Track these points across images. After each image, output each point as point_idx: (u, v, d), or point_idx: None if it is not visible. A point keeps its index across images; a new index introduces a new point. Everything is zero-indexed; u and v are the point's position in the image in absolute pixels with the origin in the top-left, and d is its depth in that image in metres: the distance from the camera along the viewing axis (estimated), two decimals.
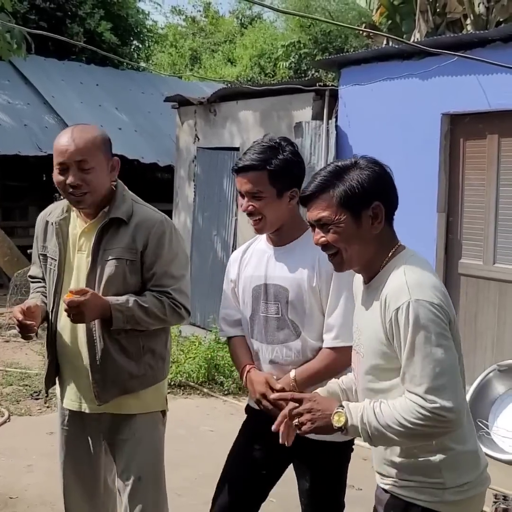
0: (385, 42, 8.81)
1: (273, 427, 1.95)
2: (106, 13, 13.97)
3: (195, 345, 6.23)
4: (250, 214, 2.44)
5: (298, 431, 1.87)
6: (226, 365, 5.91)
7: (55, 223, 2.56)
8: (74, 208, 2.56)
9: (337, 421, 1.80)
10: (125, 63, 12.47)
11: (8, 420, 5.02)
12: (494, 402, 4.73)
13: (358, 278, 2.02)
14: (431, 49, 4.48)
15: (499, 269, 5.16)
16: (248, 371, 2.47)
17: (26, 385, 5.76)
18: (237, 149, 7.34)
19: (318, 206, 1.88)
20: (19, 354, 6.89)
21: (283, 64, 16.27)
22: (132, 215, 2.49)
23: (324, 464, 2.44)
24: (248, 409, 2.65)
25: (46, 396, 5.33)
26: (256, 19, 21.47)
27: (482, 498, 1.92)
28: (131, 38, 15.85)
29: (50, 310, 2.57)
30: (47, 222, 2.61)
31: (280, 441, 1.97)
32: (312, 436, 1.98)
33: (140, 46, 16.67)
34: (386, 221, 1.89)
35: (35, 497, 3.87)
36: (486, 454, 4.44)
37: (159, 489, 2.61)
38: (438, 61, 5.21)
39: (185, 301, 2.51)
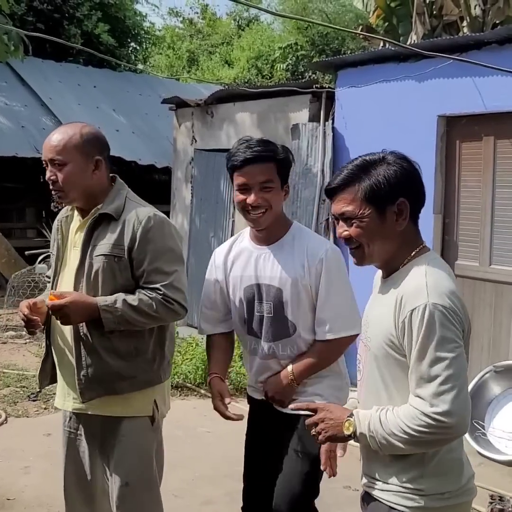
0: (381, 44, 8.82)
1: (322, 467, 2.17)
2: (103, 15, 13.98)
3: (192, 346, 6.23)
4: (256, 206, 2.43)
5: (317, 441, 1.92)
6: None
7: (58, 220, 2.64)
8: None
9: (347, 429, 1.82)
10: (122, 65, 12.47)
11: (5, 422, 5.02)
12: (490, 403, 4.74)
13: (379, 272, 2.00)
14: (427, 52, 4.48)
15: (495, 271, 5.18)
16: (212, 379, 2.61)
17: (23, 387, 5.76)
18: None
19: (342, 200, 1.86)
20: (16, 355, 6.89)
21: (280, 66, 16.28)
22: (122, 211, 2.50)
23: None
24: (249, 399, 2.76)
25: (39, 392, 5.36)
26: (253, 21, 21.47)
27: (466, 508, 1.89)
28: (129, 40, 15.86)
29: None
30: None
31: (327, 474, 2.18)
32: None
33: (138, 48, 16.68)
34: (411, 219, 1.87)
35: (32, 499, 3.87)
36: (482, 455, 4.47)
37: (149, 494, 2.58)
38: (434, 63, 5.23)
39: (178, 296, 2.46)
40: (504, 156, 5.13)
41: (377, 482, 1.88)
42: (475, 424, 4.57)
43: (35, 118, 11.08)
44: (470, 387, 4.75)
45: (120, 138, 10.71)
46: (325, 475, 2.32)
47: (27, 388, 5.71)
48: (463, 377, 1.73)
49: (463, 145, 5.40)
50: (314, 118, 6.36)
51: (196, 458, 4.44)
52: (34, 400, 5.43)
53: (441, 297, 1.74)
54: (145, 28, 16.91)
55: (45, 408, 5.23)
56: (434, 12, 8.99)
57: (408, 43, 8.18)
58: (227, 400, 2.52)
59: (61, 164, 2.45)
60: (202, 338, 6.40)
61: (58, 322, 2.47)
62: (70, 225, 2.62)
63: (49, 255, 2.91)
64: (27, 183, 11.37)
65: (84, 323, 2.45)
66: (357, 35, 11.11)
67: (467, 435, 4.48)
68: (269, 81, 16.20)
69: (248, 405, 2.78)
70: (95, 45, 12.97)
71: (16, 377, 6.01)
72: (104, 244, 2.46)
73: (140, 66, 16.44)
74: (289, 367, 2.51)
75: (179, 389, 5.81)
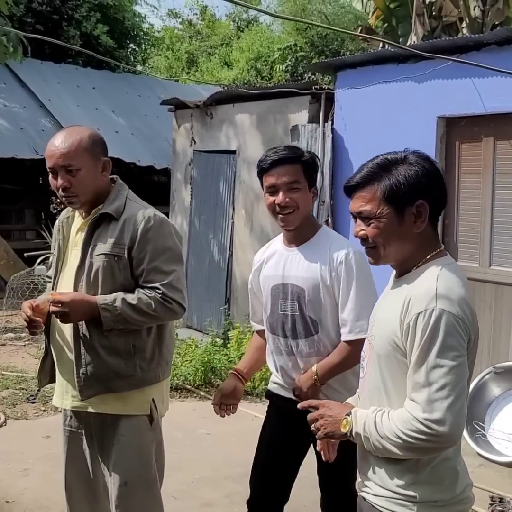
0: (381, 45, 8.82)
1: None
2: (102, 16, 13.96)
3: (191, 348, 6.23)
4: (284, 206, 2.53)
5: (316, 437, 1.92)
6: (223, 368, 5.91)
7: (59, 221, 2.67)
8: None
9: (344, 427, 1.82)
10: (121, 66, 12.48)
11: (4, 424, 5.01)
12: (490, 404, 4.73)
13: (394, 272, 1.98)
14: (426, 53, 4.48)
15: (495, 272, 5.18)
16: (229, 373, 2.86)
17: (22, 389, 5.75)
18: (233, 152, 7.35)
19: (360, 198, 1.83)
20: (15, 357, 6.88)
21: (279, 67, 16.27)
22: (123, 211, 2.52)
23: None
24: (267, 393, 2.83)
25: (38, 393, 5.35)
26: (252, 22, 21.46)
27: None
28: (128, 41, 15.84)
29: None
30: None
31: (323, 458, 2.18)
32: None
33: (137, 49, 16.66)
34: (430, 221, 1.83)
35: (31, 501, 3.86)
36: (482, 456, 4.47)
37: (148, 494, 2.58)
38: (433, 65, 5.23)
39: (177, 296, 2.49)
40: (503, 157, 5.13)
41: (370, 484, 1.87)
42: (475, 425, 4.57)
43: (34, 119, 11.07)
44: (470, 388, 4.75)
45: (119, 139, 10.71)
46: None
47: (26, 390, 5.71)
48: (460, 387, 1.70)
49: (462, 146, 5.40)
50: (313, 119, 6.35)
51: (195, 460, 4.43)
52: (33, 402, 5.43)
53: (450, 303, 1.71)
54: (144, 30, 16.89)
55: (44, 410, 5.22)
56: (434, 13, 8.99)
57: (407, 44, 8.17)
58: (218, 397, 2.74)
59: (76, 169, 2.46)
60: (201, 340, 6.43)
61: (58, 320, 2.48)
62: (71, 226, 2.65)
63: (48, 257, 2.93)
64: (26, 184, 11.36)
65: (83, 322, 2.47)
66: (357, 36, 11.11)
67: (467, 437, 4.48)
68: (269, 82, 16.19)
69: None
70: (94, 47, 12.95)
71: (15, 379, 6.00)
72: (105, 244, 2.48)
73: (139, 68, 16.43)
74: (314, 367, 2.57)
75: (179, 390, 5.80)
